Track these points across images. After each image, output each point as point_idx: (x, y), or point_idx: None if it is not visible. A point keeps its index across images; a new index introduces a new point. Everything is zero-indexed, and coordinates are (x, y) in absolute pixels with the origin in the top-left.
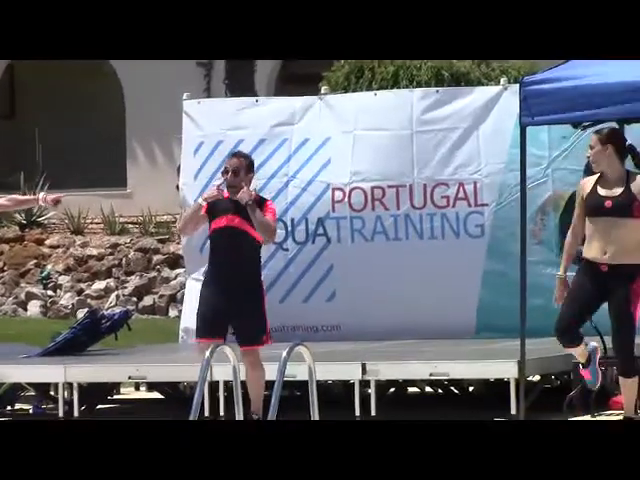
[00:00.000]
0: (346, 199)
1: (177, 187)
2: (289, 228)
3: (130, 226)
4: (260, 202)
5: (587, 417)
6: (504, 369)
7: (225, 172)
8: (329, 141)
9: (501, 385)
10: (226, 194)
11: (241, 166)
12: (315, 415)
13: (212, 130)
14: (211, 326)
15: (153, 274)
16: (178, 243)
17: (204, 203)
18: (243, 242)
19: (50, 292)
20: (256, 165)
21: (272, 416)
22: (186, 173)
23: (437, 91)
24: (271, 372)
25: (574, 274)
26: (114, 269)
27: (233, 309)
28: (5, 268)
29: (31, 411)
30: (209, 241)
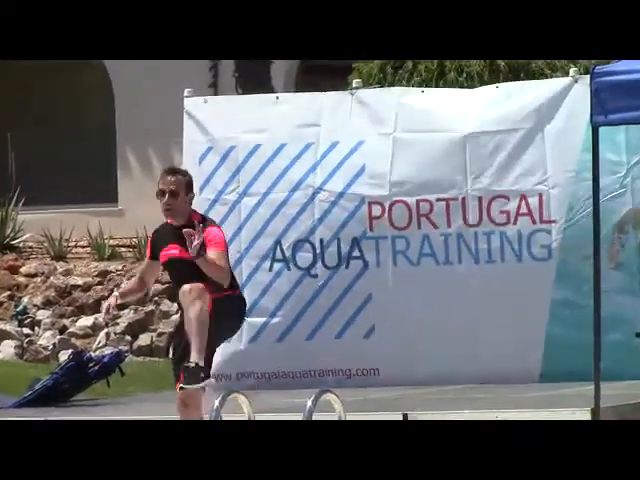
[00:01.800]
0: (386, 215)
1: None
2: (317, 250)
3: (122, 250)
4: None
5: None
6: (575, 419)
7: (160, 194)
8: (363, 145)
9: None
10: (169, 220)
11: (179, 185)
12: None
13: (221, 134)
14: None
15: (150, 307)
16: None
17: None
18: (190, 272)
19: (27, 330)
20: (276, 174)
21: None
22: (200, 184)
23: (497, 87)
24: None
25: None
26: (103, 302)
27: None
28: None
29: None
30: None
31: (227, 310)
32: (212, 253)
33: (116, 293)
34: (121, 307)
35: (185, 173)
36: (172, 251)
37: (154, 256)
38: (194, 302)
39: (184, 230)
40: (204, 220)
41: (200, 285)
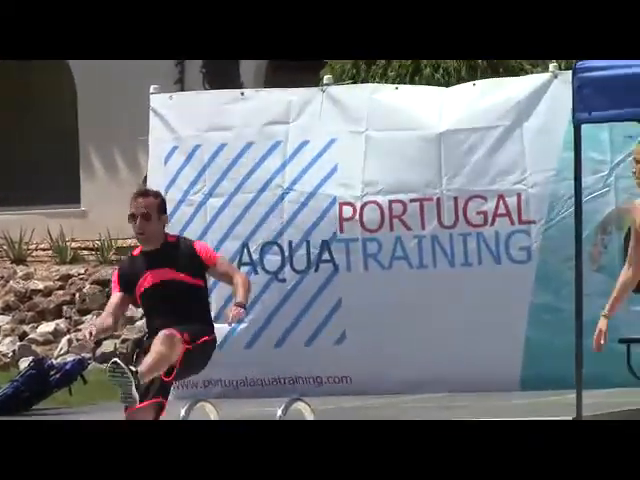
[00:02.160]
0: (357, 216)
1: None
2: (286, 253)
3: (85, 253)
4: (189, 253)
5: None
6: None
7: (132, 218)
8: (334, 144)
9: None
10: (135, 252)
11: (151, 208)
12: None
13: (187, 132)
14: None
15: None
16: None
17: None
18: (171, 300)
19: None
20: (243, 174)
21: None
22: (155, 186)
23: (474, 84)
24: None
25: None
26: (65, 307)
27: None
28: None
29: None
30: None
31: (197, 359)
32: (223, 266)
33: (92, 330)
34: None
35: (157, 194)
36: (149, 279)
37: (126, 289)
38: (163, 350)
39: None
40: (179, 240)
41: (176, 336)
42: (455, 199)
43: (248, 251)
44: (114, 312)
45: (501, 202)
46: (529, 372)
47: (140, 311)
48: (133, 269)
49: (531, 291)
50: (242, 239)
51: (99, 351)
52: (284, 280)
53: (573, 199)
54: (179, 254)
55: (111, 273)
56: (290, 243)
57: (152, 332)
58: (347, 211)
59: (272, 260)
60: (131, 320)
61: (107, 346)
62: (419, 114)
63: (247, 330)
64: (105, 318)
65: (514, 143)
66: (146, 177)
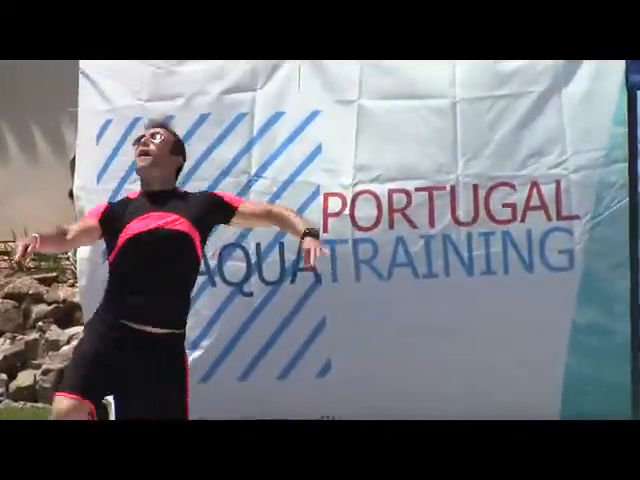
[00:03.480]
0: (347, 211)
1: (70, 193)
2: (252, 259)
3: None
4: (211, 201)
5: None
6: None
7: (136, 142)
8: (317, 117)
9: None
10: (131, 194)
11: (164, 135)
12: None
13: (125, 101)
14: None
15: (33, 335)
16: (73, 284)
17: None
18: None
19: None
20: (196, 156)
21: None
22: (85, 170)
23: None
24: None
25: None
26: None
27: None
28: None
29: None
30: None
31: None
32: (252, 204)
33: (36, 235)
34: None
35: (175, 134)
36: (147, 222)
37: (106, 228)
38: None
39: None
40: (190, 193)
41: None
42: (475, 187)
43: (204, 256)
44: (73, 237)
45: (534, 191)
46: (570, 412)
47: (67, 332)
48: (124, 210)
49: (573, 307)
50: None
51: (13, 385)
52: (250, 294)
53: (627, 188)
54: (195, 203)
55: (28, 284)
56: (258, 246)
57: (117, 314)
58: (334, 204)
59: (234, 268)
60: (55, 345)
61: (24, 378)
62: (427, 78)
63: (202, 359)
64: (55, 231)
65: (550, 115)
66: (74, 158)
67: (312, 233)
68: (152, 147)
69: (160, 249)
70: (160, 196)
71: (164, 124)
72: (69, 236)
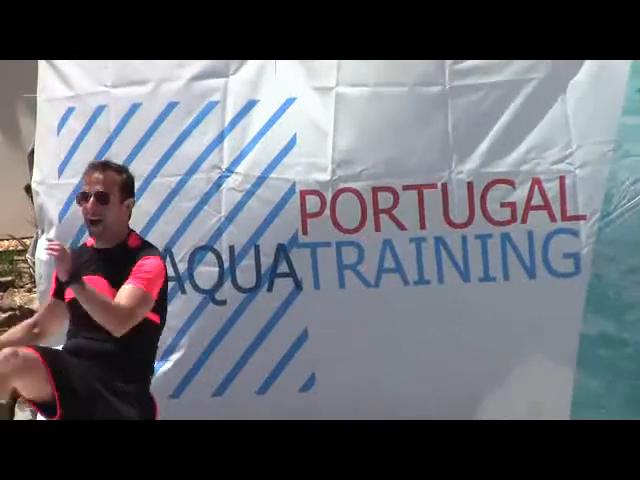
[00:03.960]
0: (327, 211)
1: (27, 188)
2: (226, 264)
3: None
4: (131, 256)
5: None
6: None
7: (83, 198)
8: (293, 105)
9: None
10: (89, 241)
11: (111, 186)
12: None
13: (89, 88)
14: None
15: None
16: (31, 290)
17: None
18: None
19: None
20: (164, 149)
21: None
22: (44, 163)
23: None
24: None
25: None
26: None
27: None
28: None
29: None
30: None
31: None
32: (124, 287)
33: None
34: None
35: (121, 169)
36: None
37: (58, 293)
38: None
39: (48, 245)
40: (144, 246)
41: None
42: (469, 185)
43: (172, 260)
44: (36, 321)
45: (536, 189)
46: None
47: None
48: (75, 265)
49: (580, 317)
50: (163, 242)
51: None
52: (224, 302)
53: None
54: (128, 266)
55: None
56: (232, 249)
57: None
58: (313, 203)
59: (206, 273)
60: None
61: None
62: (415, 62)
63: (172, 373)
64: (19, 329)
65: (554, 104)
66: (32, 152)
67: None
68: (102, 214)
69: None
70: (103, 255)
71: (107, 164)
72: (37, 329)
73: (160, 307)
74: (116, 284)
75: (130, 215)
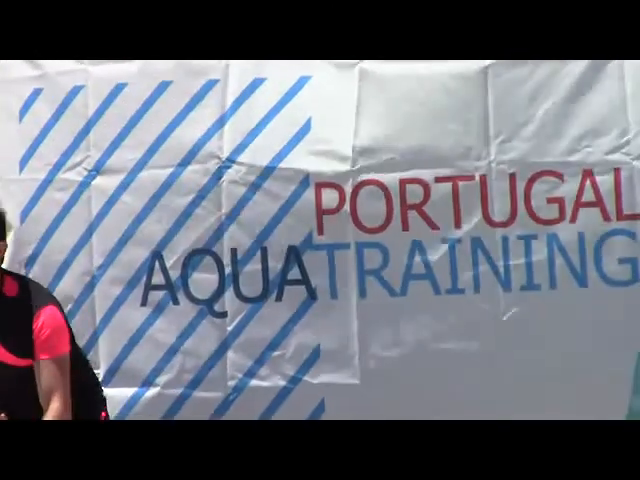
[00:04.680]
0: (346, 206)
1: None
2: (227, 269)
3: None
4: (25, 321)
5: None
6: None
7: None
8: (308, 84)
9: None
10: None
11: None
12: None
13: (62, 65)
14: None
15: None
16: None
17: None
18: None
19: None
20: (154, 136)
21: None
22: (3, 155)
23: None
24: None
25: None
26: None
27: None
28: None
29: None
30: None
31: None
32: (50, 373)
33: None
34: None
35: None
36: None
37: None
38: None
39: None
40: (23, 290)
41: None
42: (511, 177)
43: (162, 266)
44: None
45: (588, 183)
46: None
47: None
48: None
49: (639, 332)
50: (152, 245)
51: None
52: (224, 314)
53: None
54: (11, 318)
55: None
56: (234, 252)
57: None
58: (330, 198)
59: (203, 281)
60: None
61: None
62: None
63: (159, 400)
64: None
65: (608, 85)
66: None
67: None
68: None
69: None
70: None
71: None
72: None
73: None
74: (7, 342)
75: (3, 259)
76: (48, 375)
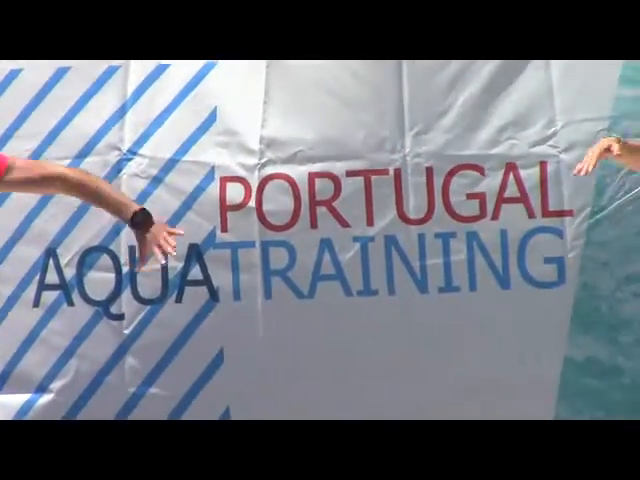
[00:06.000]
0: (252, 202)
1: None
2: (124, 269)
3: None
4: None
5: None
6: None
7: None
8: (213, 70)
9: None
10: None
11: None
12: None
13: None
14: None
15: None
16: None
17: None
18: None
19: None
20: (50, 126)
21: None
22: None
23: None
24: None
25: None
26: None
27: None
28: None
29: None
30: None
31: None
32: (27, 164)
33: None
34: None
35: None
36: None
37: None
38: None
39: None
40: None
41: None
42: (428, 171)
43: (56, 264)
44: None
45: (511, 177)
46: None
47: None
48: None
49: (564, 337)
50: (45, 243)
51: None
52: (121, 317)
53: None
54: None
55: None
56: (132, 250)
57: None
58: (235, 191)
59: (99, 280)
60: None
61: None
62: None
63: (53, 406)
64: None
65: (533, 72)
66: None
67: (146, 212)
68: None
69: None
70: None
71: None
72: None
73: None
74: None
75: None
76: (24, 167)
